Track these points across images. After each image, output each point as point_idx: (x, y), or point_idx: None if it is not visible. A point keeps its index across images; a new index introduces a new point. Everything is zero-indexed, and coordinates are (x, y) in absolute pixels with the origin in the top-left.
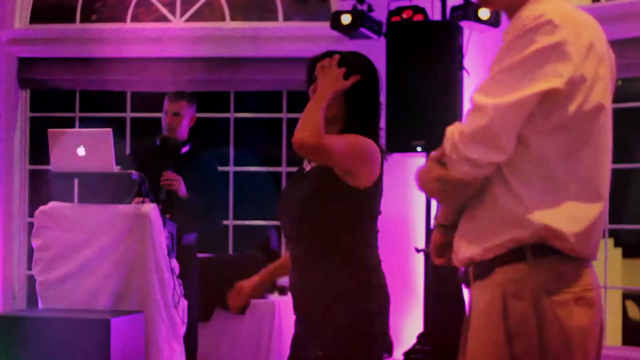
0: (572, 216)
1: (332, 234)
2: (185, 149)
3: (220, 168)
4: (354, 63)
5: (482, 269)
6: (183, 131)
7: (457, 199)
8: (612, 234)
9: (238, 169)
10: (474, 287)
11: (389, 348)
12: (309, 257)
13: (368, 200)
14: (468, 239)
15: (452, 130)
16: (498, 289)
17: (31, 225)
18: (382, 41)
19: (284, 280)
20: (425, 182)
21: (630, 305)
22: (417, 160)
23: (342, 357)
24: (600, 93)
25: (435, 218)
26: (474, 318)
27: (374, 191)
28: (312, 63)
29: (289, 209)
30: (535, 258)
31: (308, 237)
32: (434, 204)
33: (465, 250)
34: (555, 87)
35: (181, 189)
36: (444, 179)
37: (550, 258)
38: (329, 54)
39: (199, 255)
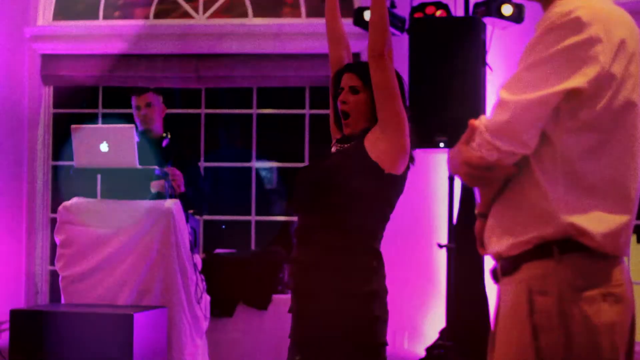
0: (599, 217)
1: (344, 209)
2: (165, 142)
3: (242, 164)
4: None
5: (509, 264)
6: (158, 123)
7: (483, 184)
8: (635, 229)
9: (260, 164)
10: (502, 283)
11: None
12: (314, 230)
13: (389, 185)
14: (496, 234)
15: (478, 123)
16: (524, 285)
17: (54, 220)
18: (405, 37)
19: None
20: (454, 165)
21: None
22: (440, 156)
23: (339, 339)
24: (630, 90)
25: (476, 207)
26: (502, 314)
27: (396, 181)
28: (337, 75)
29: (309, 177)
30: (562, 254)
31: (320, 207)
32: (456, 199)
33: (493, 245)
34: (578, 87)
35: (181, 185)
36: (469, 162)
37: (576, 254)
38: (348, 68)
39: (221, 250)
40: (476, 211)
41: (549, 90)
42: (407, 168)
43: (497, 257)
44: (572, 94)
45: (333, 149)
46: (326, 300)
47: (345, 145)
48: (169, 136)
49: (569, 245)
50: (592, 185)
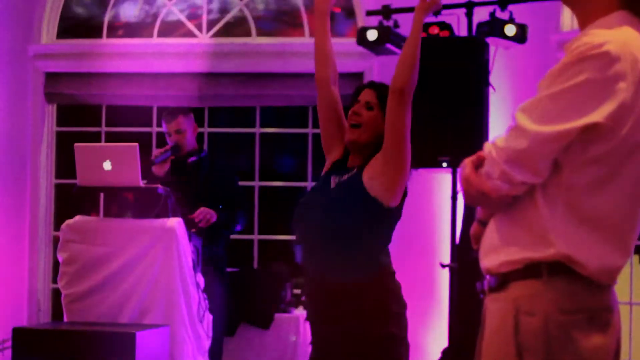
0: (596, 254)
1: (349, 249)
2: (192, 159)
3: (245, 183)
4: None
5: (498, 281)
6: (190, 142)
7: (482, 206)
8: (638, 250)
9: (263, 183)
10: (489, 299)
11: None
12: (327, 270)
13: (390, 218)
14: (489, 250)
15: (490, 147)
16: (511, 304)
17: (57, 239)
18: None
19: None
20: (461, 182)
21: None
22: (443, 176)
23: None
24: None
25: (476, 212)
26: (487, 331)
27: (398, 212)
28: (357, 91)
29: (310, 217)
30: (551, 276)
31: (327, 249)
32: (459, 219)
33: (484, 260)
34: (597, 122)
35: (214, 217)
36: (472, 185)
37: (565, 276)
38: (370, 84)
39: None
40: (477, 217)
41: (569, 125)
42: (404, 196)
43: (487, 272)
44: (590, 128)
45: (332, 182)
46: (343, 340)
47: (343, 178)
48: (200, 154)
49: (558, 267)
50: (592, 219)
